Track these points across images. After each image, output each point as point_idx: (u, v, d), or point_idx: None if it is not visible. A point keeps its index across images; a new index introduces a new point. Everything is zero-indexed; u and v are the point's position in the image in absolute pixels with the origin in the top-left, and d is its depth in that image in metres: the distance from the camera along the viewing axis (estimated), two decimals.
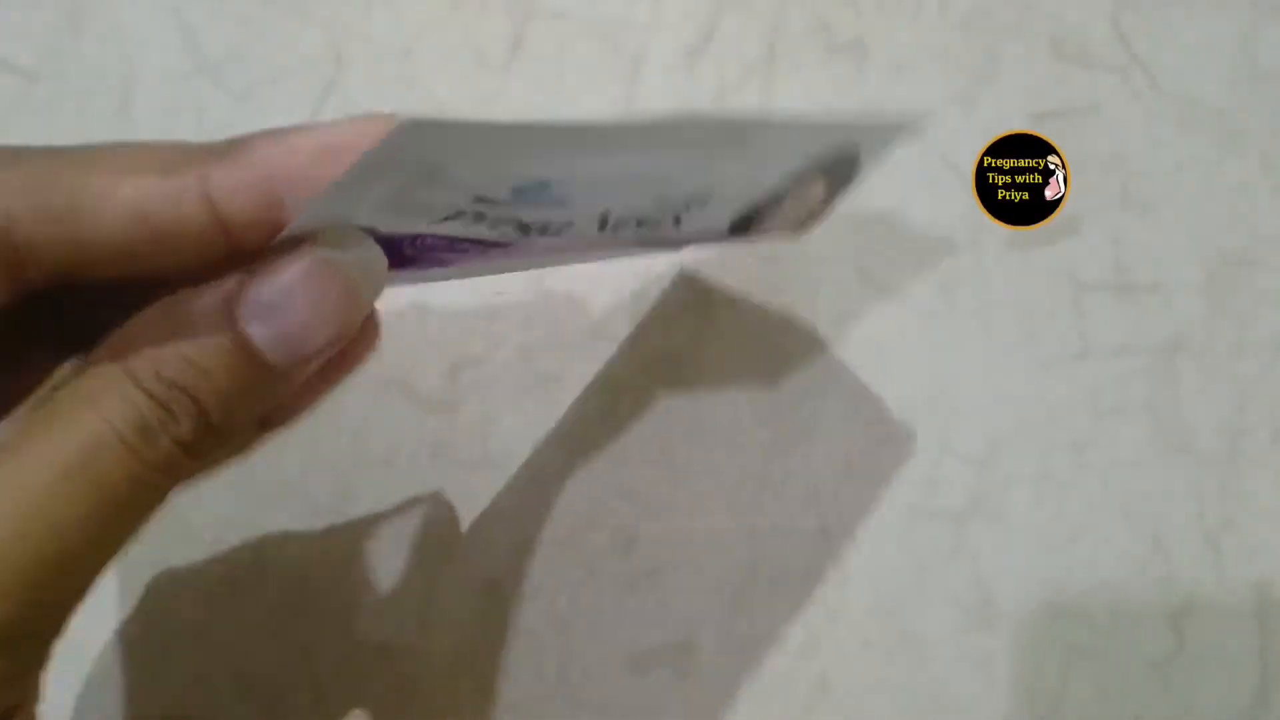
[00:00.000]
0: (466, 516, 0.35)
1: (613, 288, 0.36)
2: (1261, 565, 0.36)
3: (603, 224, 0.24)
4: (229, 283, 0.17)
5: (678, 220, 0.26)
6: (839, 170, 0.28)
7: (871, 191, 0.36)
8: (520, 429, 0.36)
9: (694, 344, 0.36)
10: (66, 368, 0.20)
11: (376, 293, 0.19)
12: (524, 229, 0.22)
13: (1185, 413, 0.36)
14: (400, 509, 0.35)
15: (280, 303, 0.17)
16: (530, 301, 0.36)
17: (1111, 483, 0.36)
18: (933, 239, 0.37)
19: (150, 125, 0.37)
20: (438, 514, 0.35)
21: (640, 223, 0.25)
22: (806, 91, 0.38)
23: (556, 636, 0.35)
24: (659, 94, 0.38)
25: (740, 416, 0.36)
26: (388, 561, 0.34)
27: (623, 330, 0.36)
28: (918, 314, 0.36)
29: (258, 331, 0.17)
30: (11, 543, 0.15)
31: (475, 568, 0.35)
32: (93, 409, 0.16)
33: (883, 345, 0.36)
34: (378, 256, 0.18)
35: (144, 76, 0.37)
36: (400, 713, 0.34)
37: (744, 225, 0.29)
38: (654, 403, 0.36)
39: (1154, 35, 0.39)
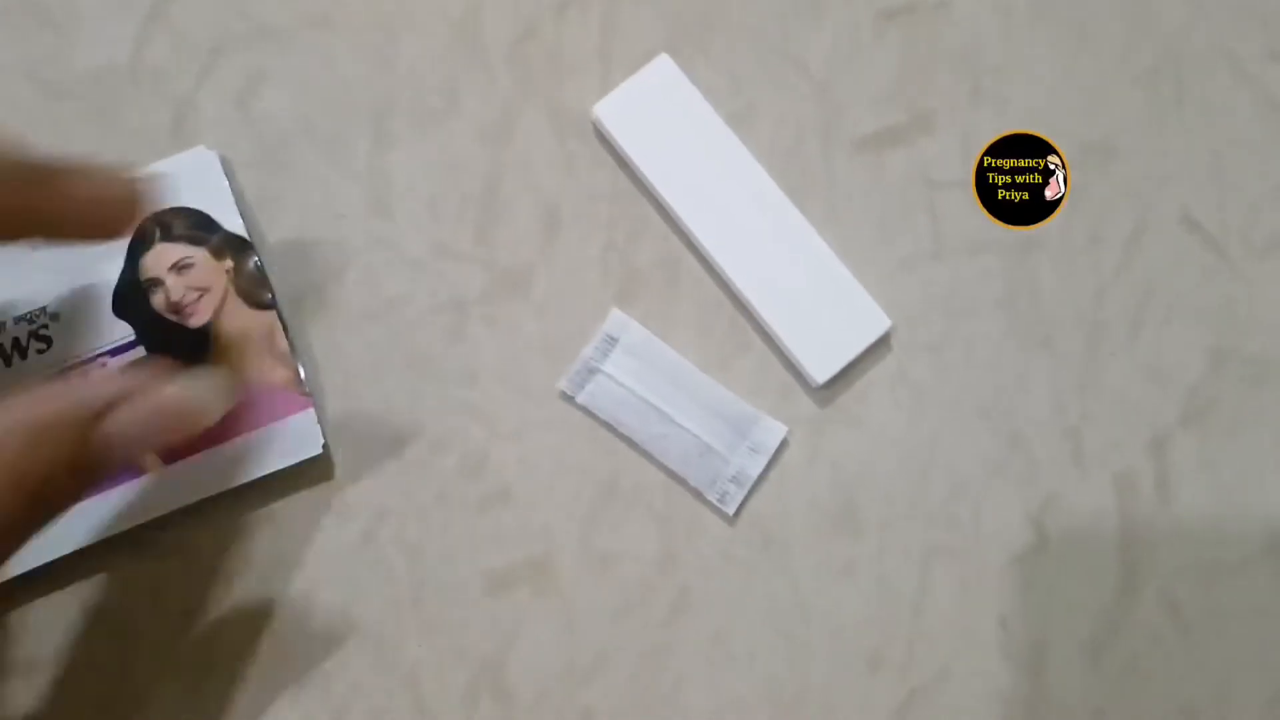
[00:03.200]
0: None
1: (456, 205, 0.36)
2: (1122, 458, 0.35)
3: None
4: (105, 394, 0.25)
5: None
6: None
7: (718, 95, 0.36)
8: (367, 355, 0.35)
9: (542, 260, 0.35)
10: None
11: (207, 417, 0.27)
12: None
13: (1042, 309, 0.36)
14: None
15: (127, 431, 0.25)
16: (373, 228, 0.35)
17: (969, 382, 0.35)
18: (781, 147, 0.36)
19: None
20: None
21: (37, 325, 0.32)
22: None
23: (410, 561, 0.34)
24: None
25: (589, 326, 0.35)
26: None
27: (467, 246, 0.35)
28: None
29: (104, 440, 0.25)
30: None
31: (321, 493, 0.34)
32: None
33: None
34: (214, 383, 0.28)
35: None
36: (254, 644, 0.33)
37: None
38: (502, 320, 0.35)
39: None
